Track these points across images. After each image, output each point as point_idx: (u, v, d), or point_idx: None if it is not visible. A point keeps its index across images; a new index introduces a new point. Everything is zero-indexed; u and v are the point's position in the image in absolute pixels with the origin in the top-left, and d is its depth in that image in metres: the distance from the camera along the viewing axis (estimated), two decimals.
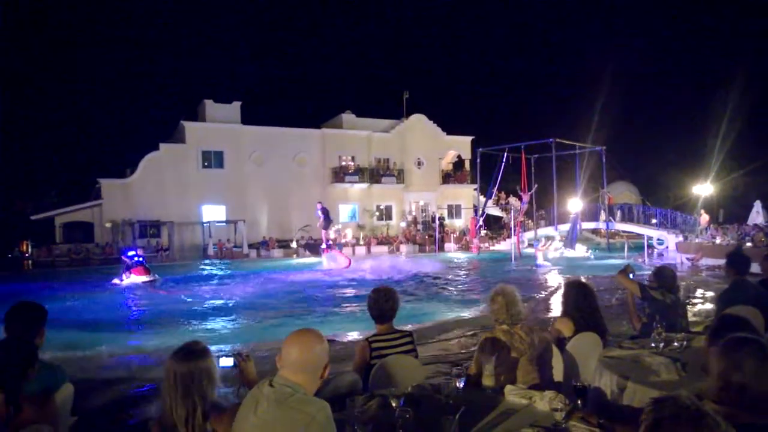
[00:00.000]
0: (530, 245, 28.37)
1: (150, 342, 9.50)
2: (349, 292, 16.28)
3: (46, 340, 3.62)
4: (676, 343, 3.93)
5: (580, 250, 28.81)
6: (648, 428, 1.70)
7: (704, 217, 27.78)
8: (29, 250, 33.14)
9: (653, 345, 3.90)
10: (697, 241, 23.78)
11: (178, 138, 35.43)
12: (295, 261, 30.06)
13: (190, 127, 34.80)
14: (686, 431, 1.64)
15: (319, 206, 23.75)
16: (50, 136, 49.67)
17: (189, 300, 15.46)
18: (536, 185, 32.55)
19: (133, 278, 18.89)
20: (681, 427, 1.65)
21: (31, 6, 59.14)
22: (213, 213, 34.62)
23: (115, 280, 19.29)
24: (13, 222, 36.54)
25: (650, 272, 5.64)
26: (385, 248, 35.09)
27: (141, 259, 19.73)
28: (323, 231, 24.18)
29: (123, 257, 20.40)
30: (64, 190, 40.74)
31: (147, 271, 19.34)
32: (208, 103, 35.68)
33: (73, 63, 65.42)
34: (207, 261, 29.60)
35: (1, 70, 48.18)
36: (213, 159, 35.22)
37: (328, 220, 24.08)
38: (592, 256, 27.06)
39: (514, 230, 30.14)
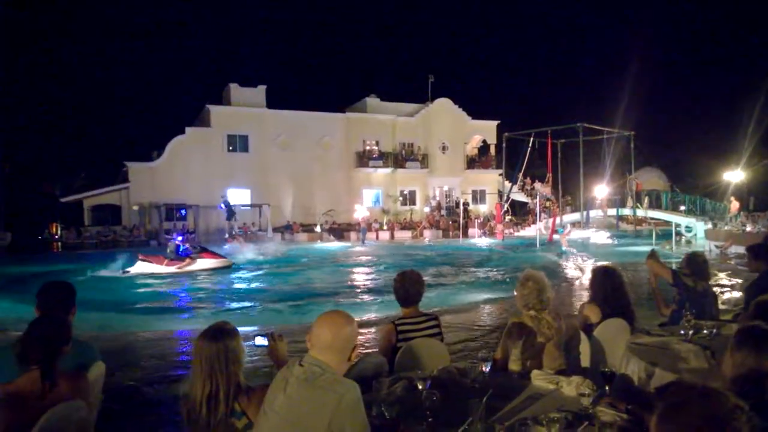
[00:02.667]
0: (555, 231, 28.08)
1: None
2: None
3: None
4: (705, 331, 3.88)
5: (601, 236, 28.54)
6: (661, 417, 1.67)
7: (734, 204, 27.20)
8: (59, 232, 33.81)
9: (682, 332, 3.86)
10: (726, 228, 23.34)
11: (203, 122, 35.72)
12: (322, 245, 30.25)
13: (215, 111, 35.04)
14: (698, 411, 1.61)
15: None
16: (79, 120, 50.44)
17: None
18: (549, 175, 32.12)
19: (201, 263, 18.18)
20: (693, 407, 1.61)
21: None
22: (238, 196, 34.91)
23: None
24: (43, 204, 37.29)
25: (679, 259, 5.52)
26: (408, 233, 35.10)
27: (185, 247, 18.63)
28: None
29: (171, 242, 19.29)
30: (93, 173, 41.41)
31: (215, 255, 18.78)
32: (234, 87, 35.83)
33: (102, 48, 66.20)
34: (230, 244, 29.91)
35: (30, 55, 48.97)
36: (238, 143, 35.46)
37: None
38: (616, 242, 26.79)
39: (540, 216, 29.90)
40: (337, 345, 2.40)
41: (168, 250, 18.53)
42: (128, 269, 17.71)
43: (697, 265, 5.03)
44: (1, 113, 37.19)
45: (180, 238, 18.88)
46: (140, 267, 17.69)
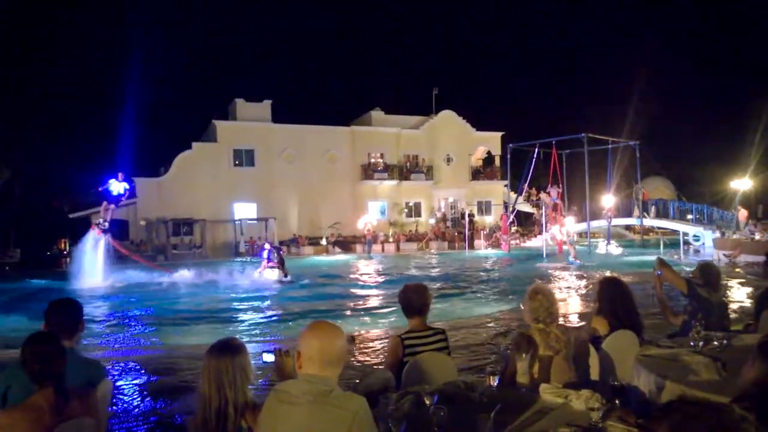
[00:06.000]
0: (564, 242, 27.97)
1: None
2: None
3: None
4: (715, 342, 3.83)
5: (610, 247, 28.42)
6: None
7: (742, 213, 27.08)
8: (67, 247, 33.97)
9: (692, 344, 3.82)
10: (734, 237, 23.23)
11: (210, 137, 35.92)
12: (327, 258, 30.26)
13: (221, 126, 35.27)
14: (707, 425, 1.60)
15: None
16: (88, 137, 50.79)
17: None
18: (559, 189, 31.97)
19: (268, 273, 18.90)
20: (701, 422, 1.60)
21: (64, 4, 60.45)
22: (244, 211, 35.01)
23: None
24: (52, 220, 37.50)
25: (688, 269, 5.47)
26: (414, 245, 35.06)
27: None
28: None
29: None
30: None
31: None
32: (239, 102, 36.10)
33: (110, 65, 66.76)
34: (239, 259, 29.98)
35: (38, 71, 49.45)
36: (244, 157, 35.63)
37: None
38: (624, 252, 26.67)
39: (546, 227, 29.80)
40: (334, 357, 2.35)
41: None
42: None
43: (710, 275, 4.97)
44: (10, 131, 37.52)
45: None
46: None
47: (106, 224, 19.61)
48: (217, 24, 79.26)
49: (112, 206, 20.10)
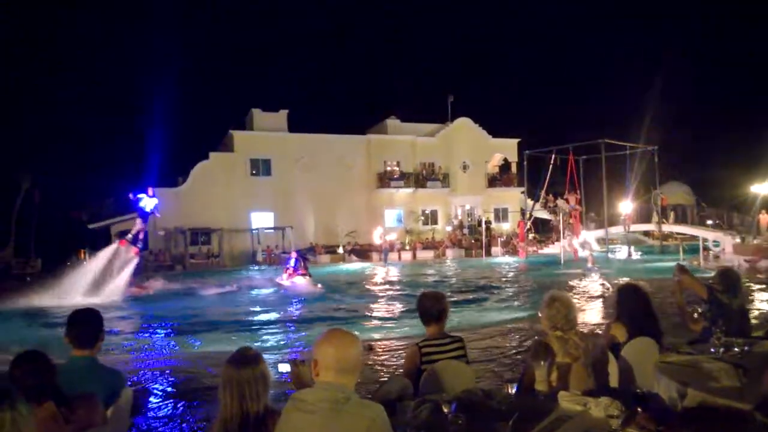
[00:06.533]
0: (580, 247, 27.77)
1: None
2: None
3: None
4: (736, 348, 3.79)
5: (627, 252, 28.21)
6: None
7: (764, 218, 26.71)
8: (87, 257, 34.32)
9: (712, 350, 3.78)
10: (755, 242, 22.92)
11: (227, 147, 36.23)
12: (344, 266, 30.32)
13: (238, 135, 35.58)
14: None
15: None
16: (106, 147, 51.46)
17: None
18: (578, 195, 31.74)
19: (299, 280, 19.07)
20: (721, 429, 1.60)
21: (82, 14, 61.40)
22: (261, 220, 35.20)
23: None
24: (72, 231, 37.92)
25: (708, 275, 5.41)
26: (431, 253, 34.99)
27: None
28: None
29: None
30: (120, 199, 42.03)
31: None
32: (256, 112, 36.41)
33: (127, 75, 67.67)
34: (256, 267, 30.13)
35: (59, 82, 50.23)
36: (261, 166, 35.86)
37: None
38: (642, 258, 26.44)
39: (563, 233, 29.61)
40: (357, 365, 2.37)
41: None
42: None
43: (730, 281, 4.92)
44: (30, 142, 38.11)
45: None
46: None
47: (131, 236, 19.49)
48: (234, 34, 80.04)
49: (140, 221, 19.79)
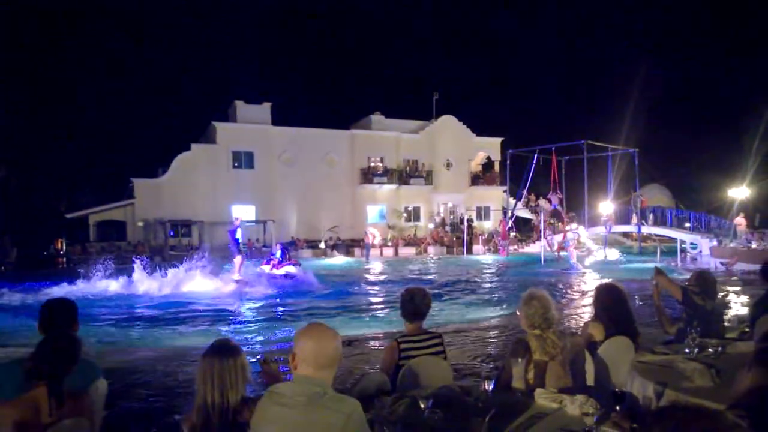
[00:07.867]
0: (561, 247, 27.93)
1: None
2: None
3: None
4: (710, 349, 3.85)
5: (611, 253, 28.43)
6: None
7: (740, 221, 27.12)
8: (64, 247, 33.91)
9: (687, 351, 3.83)
10: (732, 245, 23.27)
11: (209, 138, 35.96)
12: (327, 261, 30.26)
13: (221, 127, 35.29)
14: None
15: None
16: (85, 137, 50.76)
17: None
18: (560, 195, 31.92)
19: (290, 269, 19.13)
20: (692, 429, 1.61)
21: (64, 6, 60.51)
22: (243, 213, 34.98)
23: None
24: (49, 220, 37.41)
25: (688, 277, 5.47)
26: (412, 250, 35.06)
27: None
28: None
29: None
30: (98, 189, 41.57)
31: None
32: (239, 104, 36.15)
33: (107, 64, 66.83)
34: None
35: (38, 71, 49.48)
36: (243, 159, 35.65)
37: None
38: (624, 259, 26.70)
39: (544, 233, 29.81)
40: (335, 359, 2.35)
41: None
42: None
43: (706, 283, 4.99)
44: (6, 130, 37.46)
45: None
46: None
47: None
48: (217, 25, 79.42)
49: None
